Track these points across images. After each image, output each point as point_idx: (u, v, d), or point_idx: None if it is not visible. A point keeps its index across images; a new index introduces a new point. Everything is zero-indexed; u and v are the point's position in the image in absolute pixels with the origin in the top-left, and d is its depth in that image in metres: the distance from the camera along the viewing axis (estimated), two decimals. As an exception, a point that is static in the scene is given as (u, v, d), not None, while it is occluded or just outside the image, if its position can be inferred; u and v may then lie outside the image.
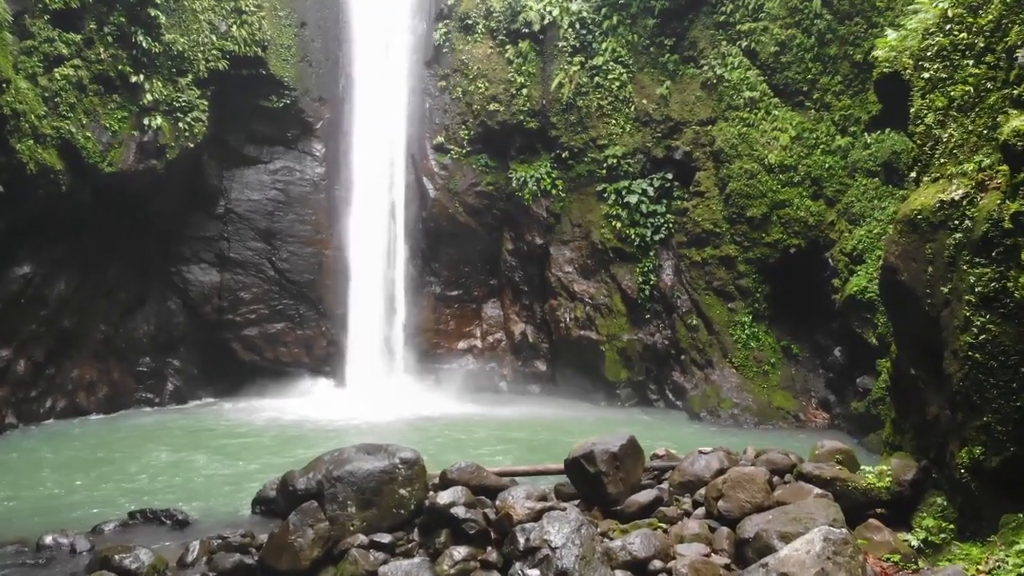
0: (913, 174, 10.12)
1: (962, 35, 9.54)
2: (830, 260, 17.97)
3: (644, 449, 12.92)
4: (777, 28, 18.99)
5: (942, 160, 9.58)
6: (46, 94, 16.78)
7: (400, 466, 9.07)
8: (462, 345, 23.42)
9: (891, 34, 10.81)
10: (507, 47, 22.14)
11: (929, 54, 9.98)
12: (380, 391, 21.51)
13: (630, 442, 9.44)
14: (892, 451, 11.23)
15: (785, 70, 19.09)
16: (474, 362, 23.25)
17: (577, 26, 21.27)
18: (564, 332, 21.58)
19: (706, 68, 20.13)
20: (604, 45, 21.16)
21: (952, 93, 9.59)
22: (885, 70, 10.74)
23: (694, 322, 19.84)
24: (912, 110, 10.14)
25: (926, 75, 9.91)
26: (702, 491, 9.32)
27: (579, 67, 21.31)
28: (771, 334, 19.35)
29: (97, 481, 12.56)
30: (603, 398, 21.00)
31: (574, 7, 21.22)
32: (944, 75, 9.73)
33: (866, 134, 17.71)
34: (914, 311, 9.74)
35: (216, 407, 20.21)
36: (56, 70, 17.01)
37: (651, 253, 20.92)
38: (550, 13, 21.39)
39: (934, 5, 10.05)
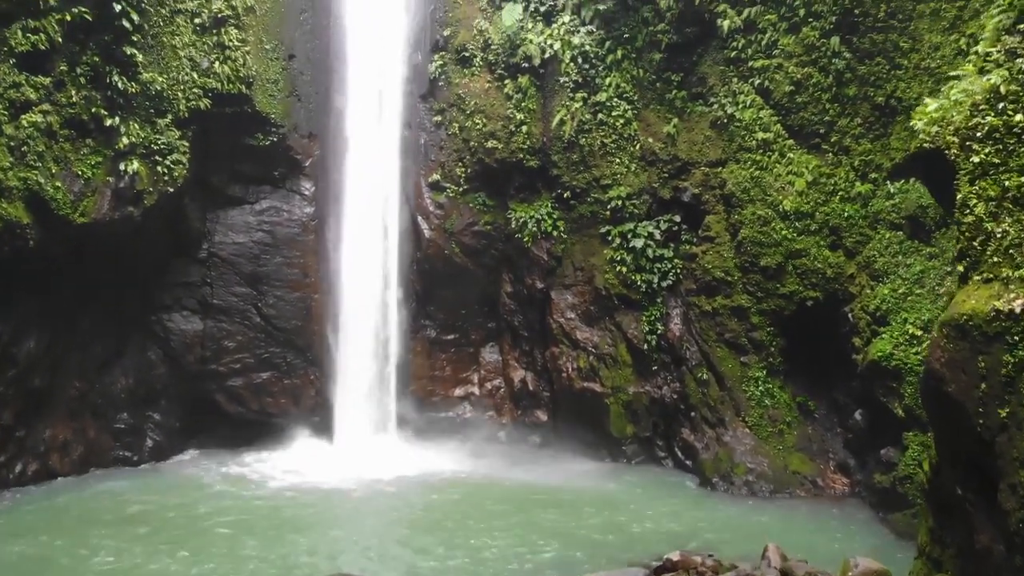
0: (960, 268, 8.98)
1: (1018, 117, 8.43)
2: (850, 316, 16.85)
3: (654, 522, 11.75)
4: (792, 66, 17.86)
5: (995, 259, 8.45)
6: (12, 143, 15.68)
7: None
8: (459, 392, 22.28)
9: (931, 104, 9.67)
10: (506, 81, 20.99)
11: (979, 135, 8.85)
12: (371, 444, 20.45)
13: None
14: (930, 565, 10.15)
15: (801, 111, 17.96)
16: (471, 411, 22.11)
17: (579, 60, 20.14)
18: (566, 383, 20.45)
19: (716, 106, 19.00)
20: (608, 80, 20.04)
21: (1007, 183, 8.47)
22: (926, 145, 9.60)
23: (704, 376, 18.71)
24: (959, 196, 9.01)
25: (975, 159, 8.78)
26: (725, 636, 8.22)
27: (581, 103, 20.18)
28: (786, 390, 18.23)
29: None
30: (608, 454, 19.87)
31: (576, 40, 20.09)
32: (997, 160, 8.61)
33: (889, 183, 16.57)
34: (963, 428, 8.61)
35: (196, 466, 19.06)
36: (23, 117, 15.88)
37: (658, 300, 19.79)
38: (551, 47, 20.26)
39: (985, 78, 8.91)
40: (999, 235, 8.45)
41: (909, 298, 15.20)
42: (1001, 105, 8.65)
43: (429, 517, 15.06)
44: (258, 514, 15.10)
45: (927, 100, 9.88)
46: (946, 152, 9.28)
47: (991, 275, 8.46)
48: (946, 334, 8.77)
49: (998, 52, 9.02)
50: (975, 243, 8.72)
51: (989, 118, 8.74)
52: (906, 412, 14.54)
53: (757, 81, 18.39)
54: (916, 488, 13.94)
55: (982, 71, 9.50)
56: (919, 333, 14.60)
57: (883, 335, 15.32)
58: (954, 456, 9.14)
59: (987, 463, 8.34)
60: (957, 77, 14.14)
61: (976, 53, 9.73)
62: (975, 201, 8.74)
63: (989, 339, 8.17)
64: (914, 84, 15.75)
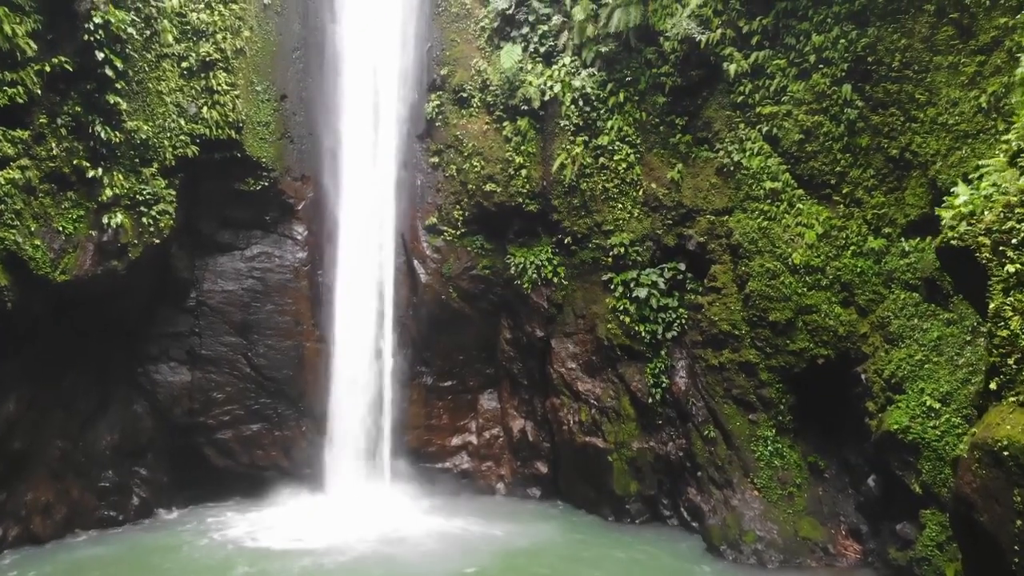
0: (993, 385, 8.29)
1: (1058, 226, 7.75)
2: (863, 377, 16.12)
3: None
4: (802, 114, 17.14)
5: (1034, 381, 7.76)
6: (-12, 203, 15.05)
7: None
8: (456, 441, 21.60)
9: (959, 196, 8.97)
10: (505, 123, 20.33)
11: (1013, 241, 8.17)
12: (365, 499, 19.77)
13: None
14: None
15: (810, 160, 17.23)
16: (469, 461, 21.44)
17: (580, 103, 19.46)
18: (568, 436, 19.76)
19: (722, 153, 18.31)
20: (609, 123, 19.35)
21: (1046, 297, 7.79)
22: (953, 242, 8.90)
23: (711, 434, 18.00)
24: (991, 305, 8.32)
25: (1011, 268, 8.10)
26: None
27: (582, 147, 19.51)
28: (796, 449, 17.50)
29: None
30: (611, 512, 19.16)
31: (577, 83, 19.40)
32: (1034, 272, 7.93)
33: (903, 240, 15.85)
34: (996, 562, 7.92)
35: (183, 526, 18.31)
36: (0, 174, 15.25)
37: (662, 352, 19.09)
38: (551, 89, 19.59)
39: (1021, 178, 8.23)
40: (1037, 355, 7.77)
41: (926, 366, 14.49)
42: (1039, 210, 7.98)
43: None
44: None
45: (955, 190, 9.17)
46: (976, 254, 8.60)
47: (1029, 399, 7.77)
48: (978, 458, 8.08)
49: (1033, 149, 8.35)
50: (1010, 361, 8.03)
51: (1025, 224, 8.06)
52: (923, 489, 13.83)
53: (765, 128, 17.67)
54: (934, 572, 13.26)
55: (1013, 162, 8.84)
56: (937, 406, 13.89)
57: (899, 404, 14.60)
58: (986, 585, 8.45)
59: (1024, 604, 7.64)
60: (977, 135, 13.58)
61: (1006, 142, 9.06)
62: (1010, 314, 8.05)
63: (1028, 473, 7.49)
64: (930, 139, 15.03)
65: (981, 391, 9.06)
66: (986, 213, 8.60)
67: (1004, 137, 9.17)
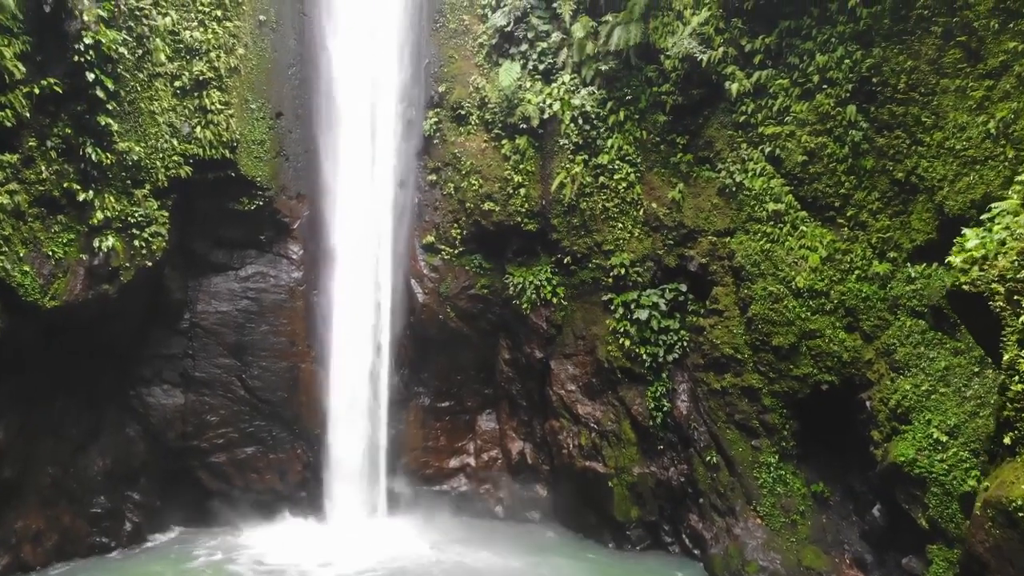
0: (1007, 440, 7.99)
1: (1076, 277, 7.44)
2: (868, 405, 15.80)
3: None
4: (806, 135, 16.83)
5: (1050, 439, 7.46)
6: (-25, 229, 14.76)
7: None
8: (454, 463, 21.29)
9: (970, 240, 8.67)
10: (503, 141, 20.02)
11: (1028, 291, 7.86)
12: (362, 523, 19.50)
13: None
14: None
15: (814, 181, 16.91)
16: (467, 483, 21.12)
17: (580, 121, 19.15)
18: (567, 460, 19.44)
19: (723, 173, 18.00)
20: (610, 142, 19.06)
21: (1063, 352, 7.49)
22: (964, 286, 8.59)
23: (713, 460, 17.70)
24: (1005, 357, 8.02)
25: (1025, 319, 7.79)
26: None
27: (582, 166, 19.20)
28: (799, 476, 17.19)
29: None
30: (611, 538, 18.86)
31: (576, 101, 19.09)
32: (1050, 324, 7.62)
33: (910, 265, 15.51)
34: (1012, 626, 7.62)
35: (174, 551, 18.03)
36: (-12, 199, 14.96)
37: (664, 375, 18.79)
38: (550, 107, 19.29)
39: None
40: (1054, 412, 7.47)
41: (933, 396, 14.17)
42: (1055, 260, 7.68)
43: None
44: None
45: (965, 232, 8.86)
46: (989, 301, 8.29)
47: (1045, 458, 7.47)
48: (991, 517, 7.79)
49: (1049, 193, 8.05)
50: (1025, 416, 7.73)
51: (1041, 273, 7.76)
52: (930, 524, 13.52)
53: (768, 148, 17.36)
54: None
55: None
56: (944, 439, 13.58)
57: (905, 435, 14.28)
58: (1000, 647, 8.14)
59: (1041, 671, 7.34)
60: (985, 161, 13.29)
61: (1020, 183, 8.77)
62: (1025, 367, 7.75)
63: (1044, 537, 7.19)
64: (937, 164, 14.69)
65: (992, 436, 8.77)
66: (999, 258, 8.30)
67: (1019, 177, 8.88)
